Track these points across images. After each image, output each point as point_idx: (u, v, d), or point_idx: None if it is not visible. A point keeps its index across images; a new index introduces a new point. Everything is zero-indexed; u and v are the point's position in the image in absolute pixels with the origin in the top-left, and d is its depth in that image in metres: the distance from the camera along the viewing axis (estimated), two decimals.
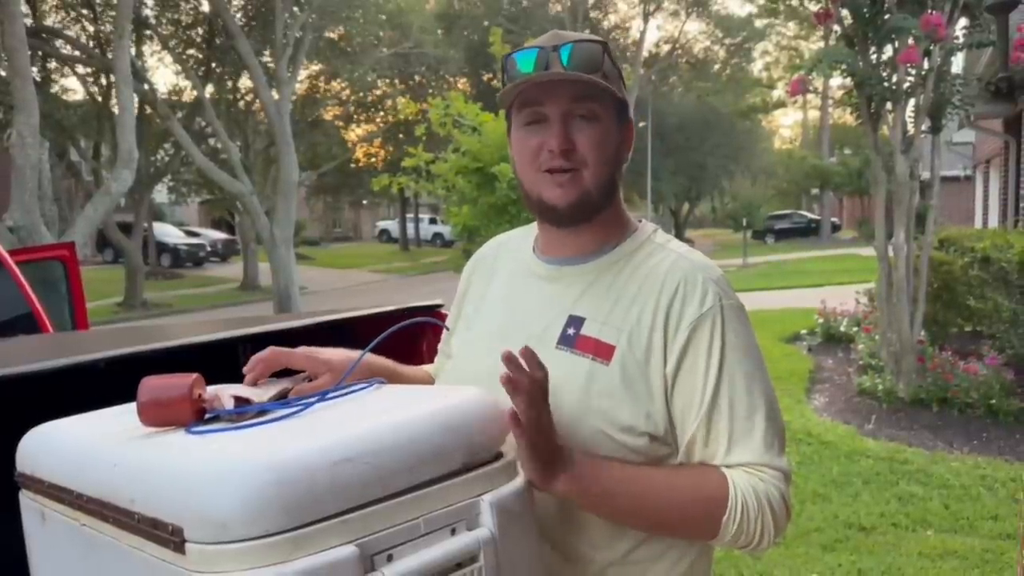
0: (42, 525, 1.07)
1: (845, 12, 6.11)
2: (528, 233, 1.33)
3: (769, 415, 1.12)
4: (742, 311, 1.17)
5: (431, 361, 2.36)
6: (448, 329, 1.39)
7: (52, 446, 1.08)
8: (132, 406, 1.17)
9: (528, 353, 0.98)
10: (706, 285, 1.14)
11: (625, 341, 1.13)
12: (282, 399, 1.09)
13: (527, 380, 0.97)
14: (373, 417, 0.95)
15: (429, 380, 1.41)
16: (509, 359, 0.96)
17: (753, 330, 1.18)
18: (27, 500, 1.11)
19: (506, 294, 1.27)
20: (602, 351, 1.13)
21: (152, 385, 1.01)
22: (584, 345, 1.15)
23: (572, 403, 1.12)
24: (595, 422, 1.11)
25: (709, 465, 1.12)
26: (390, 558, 0.85)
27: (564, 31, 1.20)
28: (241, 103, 21.31)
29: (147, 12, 18.72)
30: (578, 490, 1.05)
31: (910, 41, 5.86)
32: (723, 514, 1.07)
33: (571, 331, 1.16)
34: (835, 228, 35.33)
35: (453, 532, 0.91)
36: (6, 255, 3.82)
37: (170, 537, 0.81)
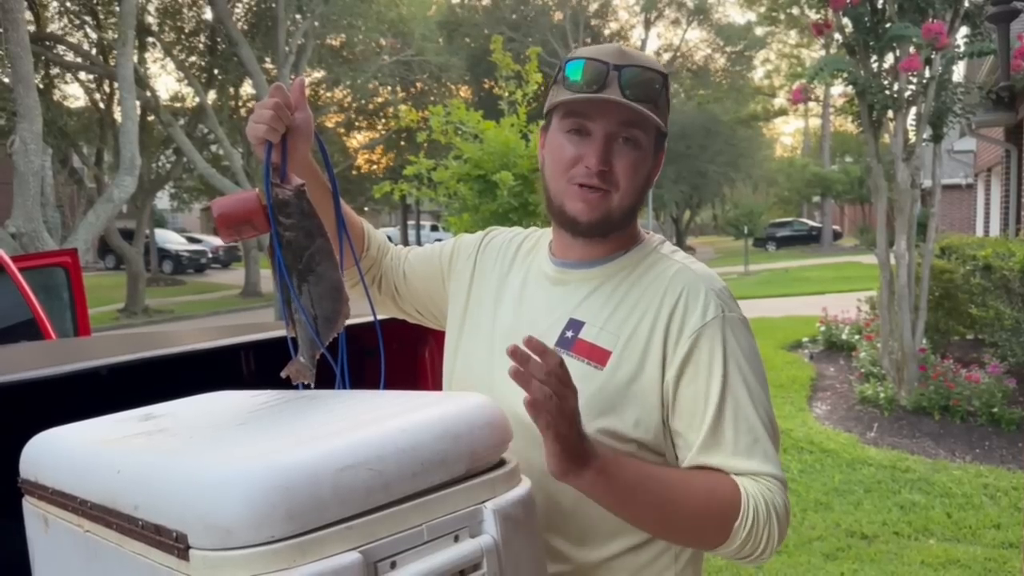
0: (45, 532, 1.07)
1: (846, 20, 6.12)
2: (548, 234, 1.33)
3: (768, 426, 1.13)
4: (744, 323, 1.17)
5: (432, 370, 2.35)
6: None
7: (55, 453, 1.08)
8: (135, 412, 1.17)
9: (534, 343, 0.95)
10: (708, 296, 1.14)
11: (621, 347, 1.14)
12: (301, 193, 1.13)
13: (539, 369, 0.94)
14: (377, 423, 0.95)
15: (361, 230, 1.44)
16: (514, 352, 0.94)
17: (755, 341, 1.17)
18: (30, 507, 1.11)
19: (518, 296, 1.27)
20: (597, 355, 1.14)
21: (222, 203, 1.08)
22: (580, 349, 1.15)
23: None
24: (585, 426, 1.11)
25: (719, 471, 1.11)
26: (393, 565, 0.85)
27: (630, 50, 1.18)
28: (243, 110, 21.34)
29: (150, 19, 18.78)
30: (604, 483, 1.02)
31: (911, 49, 5.88)
32: (736, 519, 1.06)
33: (569, 334, 1.17)
34: (836, 236, 35.30)
35: (456, 539, 0.91)
36: (9, 261, 3.83)
37: (174, 543, 0.81)
